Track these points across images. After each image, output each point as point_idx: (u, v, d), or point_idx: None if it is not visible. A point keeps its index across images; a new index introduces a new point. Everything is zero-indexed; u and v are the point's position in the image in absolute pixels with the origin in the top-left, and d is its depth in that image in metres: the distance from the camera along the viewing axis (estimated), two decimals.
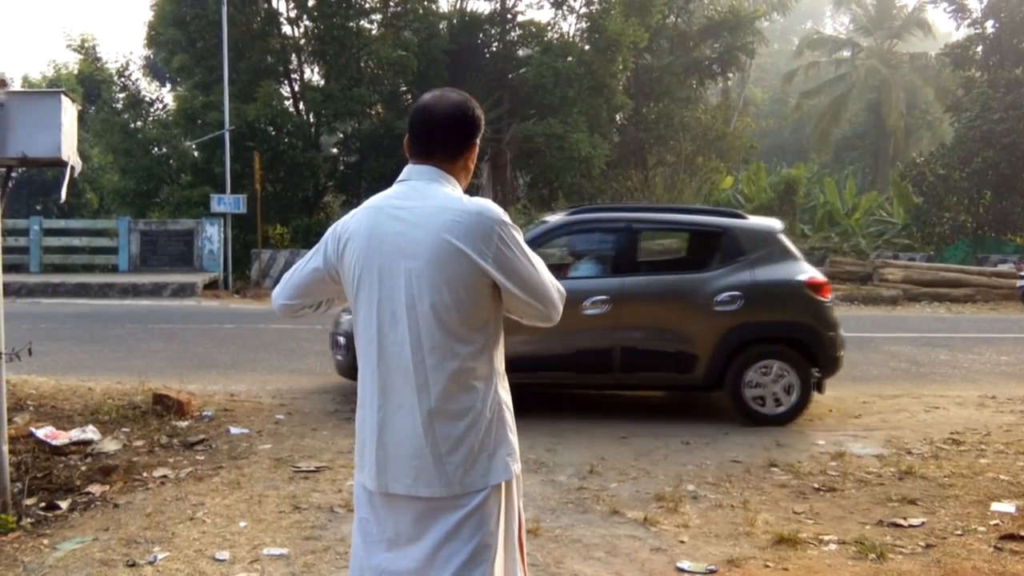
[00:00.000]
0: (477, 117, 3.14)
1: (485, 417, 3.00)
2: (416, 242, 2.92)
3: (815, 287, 9.51)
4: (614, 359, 9.29)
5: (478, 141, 3.20)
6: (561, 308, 3.15)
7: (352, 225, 3.07)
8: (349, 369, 9.71)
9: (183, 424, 8.52)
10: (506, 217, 2.99)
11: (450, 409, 2.95)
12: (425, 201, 2.99)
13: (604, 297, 9.24)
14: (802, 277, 9.49)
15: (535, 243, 9.47)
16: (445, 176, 3.08)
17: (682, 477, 7.23)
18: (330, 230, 3.19)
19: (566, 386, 10.09)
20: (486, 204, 3.00)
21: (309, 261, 3.23)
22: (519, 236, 3.02)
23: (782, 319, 9.56)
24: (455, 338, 2.95)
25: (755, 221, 10.09)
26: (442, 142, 3.08)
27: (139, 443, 7.83)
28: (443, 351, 2.94)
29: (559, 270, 9.80)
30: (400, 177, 3.12)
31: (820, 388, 9.53)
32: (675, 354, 9.40)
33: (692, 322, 9.40)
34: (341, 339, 9.90)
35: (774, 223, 10.10)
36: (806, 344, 9.44)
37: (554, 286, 3.11)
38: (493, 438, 3.02)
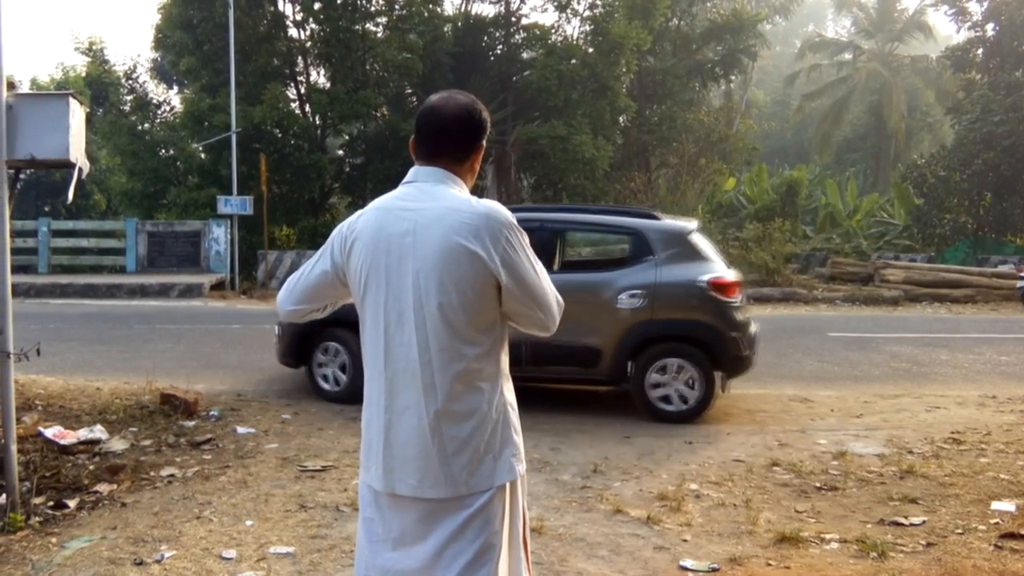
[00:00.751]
0: (484, 119, 3.13)
1: (491, 418, 3.00)
2: (424, 243, 2.91)
3: (720, 287, 9.52)
4: (523, 353, 9.36)
5: (484, 143, 3.19)
6: (558, 319, 3.14)
7: (359, 226, 3.05)
8: (283, 356, 10.41)
9: (190, 424, 8.53)
10: (514, 220, 2.99)
11: (456, 410, 2.94)
12: (433, 202, 2.98)
13: None
14: (706, 277, 9.51)
15: None
16: (452, 177, 3.06)
17: (685, 476, 7.23)
18: (336, 231, 3.16)
19: None
20: (495, 206, 2.99)
21: (316, 264, 3.18)
22: (525, 240, 3.02)
23: (684, 318, 9.63)
24: (462, 339, 2.94)
25: (666, 222, 10.16)
26: (449, 144, 3.07)
27: (146, 442, 7.83)
28: (450, 352, 2.93)
29: None
30: (406, 179, 3.11)
31: (724, 387, 9.65)
32: (581, 349, 9.57)
33: (597, 319, 9.56)
34: (277, 328, 10.49)
35: (686, 224, 10.13)
36: (708, 343, 9.49)
37: (554, 296, 3.11)
38: (499, 439, 3.02)
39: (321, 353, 10.09)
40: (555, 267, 10.33)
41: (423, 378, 2.93)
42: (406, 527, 3.00)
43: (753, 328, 9.91)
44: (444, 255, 2.89)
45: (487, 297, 2.95)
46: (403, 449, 2.96)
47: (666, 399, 9.52)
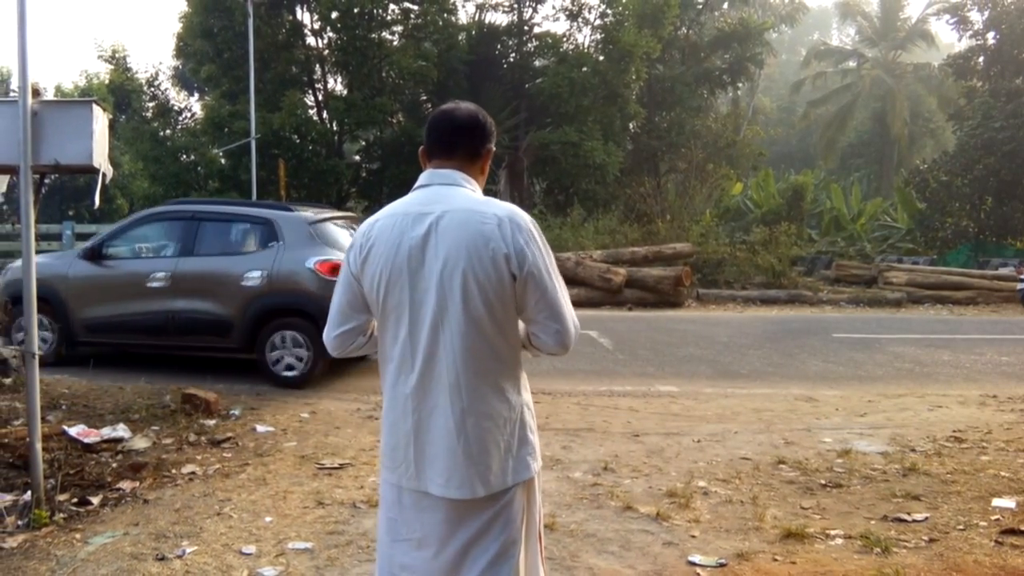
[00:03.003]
0: (492, 124, 3.19)
1: (512, 418, 3.01)
2: (448, 245, 2.89)
3: (327, 269, 10.54)
4: (169, 325, 10.98)
5: (493, 147, 3.22)
6: (575, 337, 3.10)
7: (375, 232, 3.02)
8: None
9: (211, 422, 8.54)
10: (534, 222, 3.01)
11: (481, 410, 2.94)
12: (451, 204, 2.96)
13: (164, 274, 11.05)
14: (313, 260, 10.60)
15: (125, 230, 11.90)
16: (466, 178, 3.07)
17: (693, 474, 7.20)
18: (353, 241, 3.13)
19: (137, 347, 11.59)
20: (515, 208, 3.01)
21: (339, 283, 3.17)
22: (546, 244, 3.02)
23: (293, 295, 10.69)
24: (486, 339, 2.94)
25: (292, 213, 11.27)
26: (465, 138, 3.10)
27: (168, 441, 7.84)
28: (475, 352, 2.93)
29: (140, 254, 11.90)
30: (419, 183, 3.09)
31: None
32: (216, 322, 10.95)
33: (228, 296, 10.88)
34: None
35: (310, 215, 11.27)
36: (314, 316, 10.45)
37: (571, 312, 3.07)
38: (517, 438, 3.02)
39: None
40: (201, 251, 11.32)
41: (448, 377, 2.91)
42: (431, 527, 2.99)
43: None
44: (469, 256, 2.88)
45: (510, 298, 2.94)
46: (433, 448, 2.95)
47: (289, 367, 10.83)
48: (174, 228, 11.59)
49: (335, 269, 10.25)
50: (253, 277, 10.72)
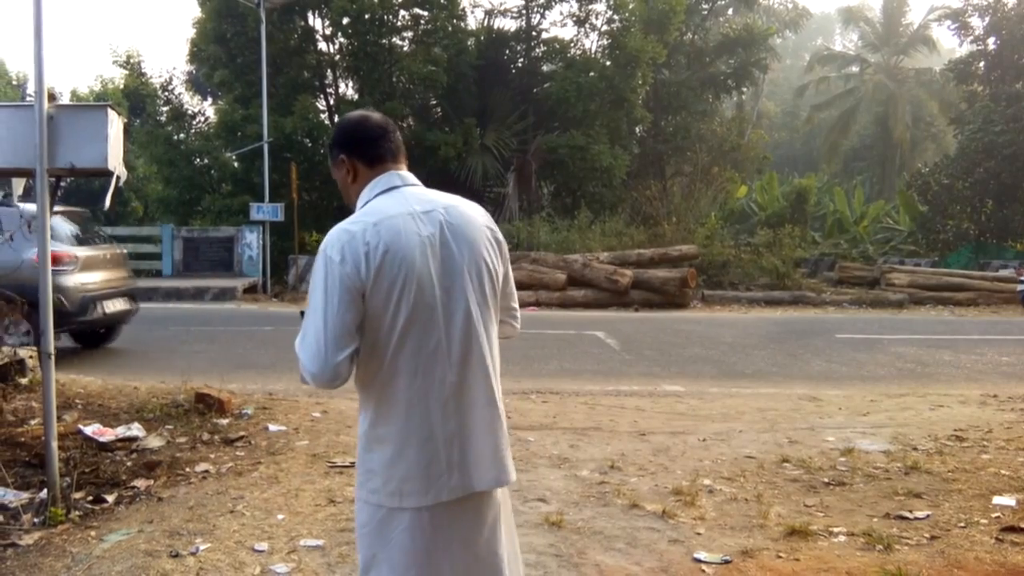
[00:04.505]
0: None
1: None
2: (464, 241, 2.90)
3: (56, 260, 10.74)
4: None
5: None
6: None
7: (382, 237, 2.79)
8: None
9: (224, 422, 8.53)
10: None
11: (499, 397, 2.97)
12: (441, 201, 2.97)
13: None
14: (32, 251, 10.61)
15: None
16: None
17: (698, 472, 7.18)
18: (335, 254, 2.78)
19: None
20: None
21: (333, 301, 2.75)
22: None
23: (15, 282, 10.51)
24: (495, 329, 3.01)
25: (18, 207, 11.62)
26: (398, 143, 3.07)
27: (182, 440, 7.83)
28: (493, 342, 2.98)
29: None
30: (388, 184, 2.98)
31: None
32: None
33: None
34: None
35: (27, 208, 11.20)
36: (33, 302, 10.65)
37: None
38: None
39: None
40: None
41: (482, 371, 2.90)
42: (469, 529, 2.93)
43: (81, 291, 12.27)
44: (483, 249, 2.93)
45: (501, 287, 3.05)
46: (479, 444, 2.89)
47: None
48: None
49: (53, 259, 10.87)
50: None
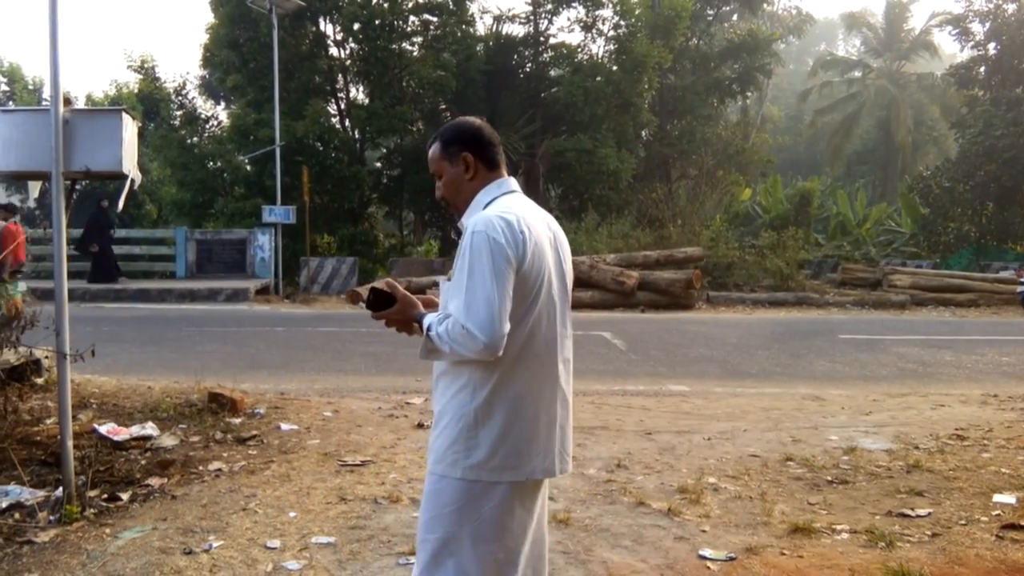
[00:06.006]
0: None
1: None
2: (564, 247, 3.22)
3: None
4: None
5: None
6: None
7: (529, 228, 2.96)
8: None
9: (236, 421, 8.53)
10: None
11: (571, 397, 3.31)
12: (543, 211, 3.24)
13: None
14: None
15: None
16: None
17: (704, 470, 7.18)
18: (497, 237, 2.87)
19: None
20: None
21: (500, 278, 2.84)
22: None
23: None
24: None
25: None
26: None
27: (195, 438, 7.84)
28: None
29: None
30: (510, 188, 3.21)
31: None
32: None
33: None
34: None
35: None
36: None
37: None
38: None
39: None
40: None
41: (567, 369, 3.21)
42: (532, 512, 3.16)
43: None
44: (570, 264, 3.25)
45: None
46: (563, 432, 3.17)
47: None
48: None
49: None
50: None
